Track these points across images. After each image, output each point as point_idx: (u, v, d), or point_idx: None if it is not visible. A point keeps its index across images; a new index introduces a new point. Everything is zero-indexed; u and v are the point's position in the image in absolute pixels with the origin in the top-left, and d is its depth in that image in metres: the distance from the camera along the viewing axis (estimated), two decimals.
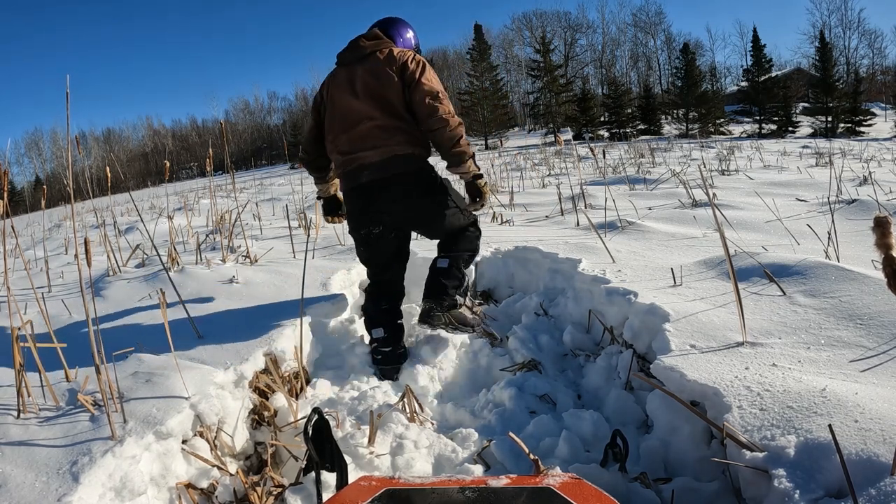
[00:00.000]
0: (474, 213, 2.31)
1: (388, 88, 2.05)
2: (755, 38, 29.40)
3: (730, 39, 78.42)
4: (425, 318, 2.20)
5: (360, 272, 2.93)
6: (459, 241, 2.29)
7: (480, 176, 2.17)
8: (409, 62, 2.07)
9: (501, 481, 1.09)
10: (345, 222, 2.34)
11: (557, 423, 1.74)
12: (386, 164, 2.06)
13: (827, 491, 1.05)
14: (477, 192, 2.22)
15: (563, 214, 4.14)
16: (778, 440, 1.16)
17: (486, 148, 27.40)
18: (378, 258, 2.24)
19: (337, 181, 2.39)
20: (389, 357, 2.14)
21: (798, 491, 1.05)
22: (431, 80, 2.06)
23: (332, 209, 2.48)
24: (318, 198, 2.48)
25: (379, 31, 2.21)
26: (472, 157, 2.11)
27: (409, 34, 2.32)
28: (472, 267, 2.38)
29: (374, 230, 2.14)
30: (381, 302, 2.24)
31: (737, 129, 28.41)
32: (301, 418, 1.74)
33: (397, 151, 2.06)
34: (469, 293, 2.37)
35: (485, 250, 3.06)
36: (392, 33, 2.25)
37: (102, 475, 1.22)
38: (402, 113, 2.06)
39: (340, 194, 2.36)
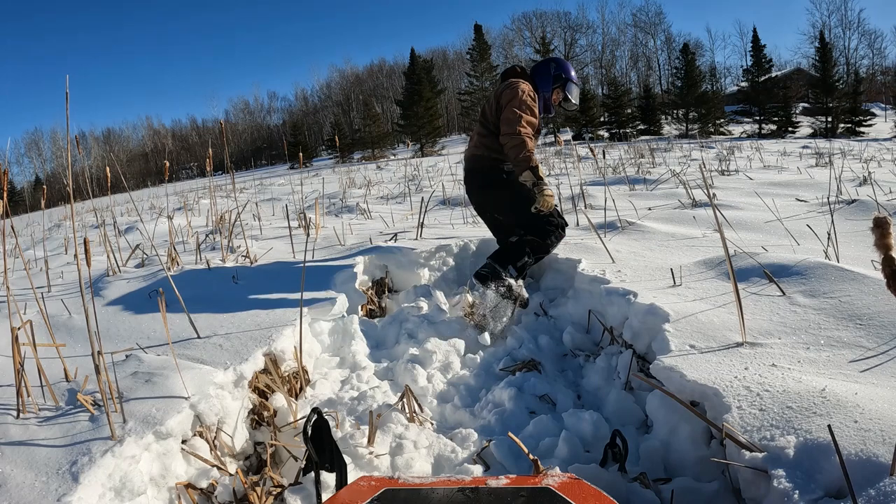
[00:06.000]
0: (544, 212, 2.59)
1: (490, 108, 2.75)
2: (755, 39, 29.40)
3: (730, 39, 77.93)
4: (479, 274, 2.60)
5: (359, 272, 2.92)
6: (533, 230, 2.66)
7: (538, 184, 2.50)
8: (506, 90, 2.65)
9: (501, 481, 1.10)
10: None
11: (557, 423, 1.74)
12: (469, 159, 2.88)
13: (826, 491, 1.05)
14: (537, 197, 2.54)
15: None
16: (777, 440, 1.16)
17: None
18: (487, 225, 3.05)
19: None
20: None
21: (798, 491, 1.05)
22: (517, 106, 2.55)
23: None
24: None
25: (517, 70, 2.86)
26: (531, 168, 2.47)
27: (546, 73, 2.86)
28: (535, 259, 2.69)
29: (475, 209, 3.05)
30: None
31: (737, 130, 28.39)
32: (300, 418, 1.74)
33: (475, 152, 2.81)
34: (524, 275, 2.65)
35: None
36: (534, 74, 2.88)
37: (102, 475, 1.22)
38: (490, 126, 2.73)
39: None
